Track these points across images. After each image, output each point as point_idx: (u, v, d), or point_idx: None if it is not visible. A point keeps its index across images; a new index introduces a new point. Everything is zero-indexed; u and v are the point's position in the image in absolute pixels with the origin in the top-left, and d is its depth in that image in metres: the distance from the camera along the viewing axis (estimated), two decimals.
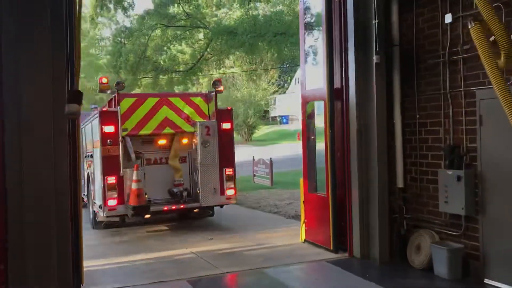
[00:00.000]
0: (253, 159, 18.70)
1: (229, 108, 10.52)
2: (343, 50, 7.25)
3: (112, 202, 9.10)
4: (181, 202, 9.59)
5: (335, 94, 7.38)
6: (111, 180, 9.12)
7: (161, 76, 25.73)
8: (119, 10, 22.49)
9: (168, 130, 9.69)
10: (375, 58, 6.70)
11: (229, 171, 9.69)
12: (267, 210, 12.05)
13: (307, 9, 8.43)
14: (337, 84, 7.43)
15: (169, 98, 9.93)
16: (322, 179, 7.67)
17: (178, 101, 9.92)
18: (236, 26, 21.29)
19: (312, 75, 8.18)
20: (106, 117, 9.30)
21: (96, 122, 9.66)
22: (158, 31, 24.11)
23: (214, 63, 27.53)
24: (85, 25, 39.75)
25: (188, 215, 10.62)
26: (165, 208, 9.48)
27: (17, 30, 5.14)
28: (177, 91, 25.39)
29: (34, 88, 5.23)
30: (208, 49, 24.24)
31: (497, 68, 4.75)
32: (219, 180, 9.53)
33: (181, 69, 25.56)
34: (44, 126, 5.31)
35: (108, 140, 9.21)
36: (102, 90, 9.72)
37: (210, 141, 9.39)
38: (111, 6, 21.40)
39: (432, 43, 6.48)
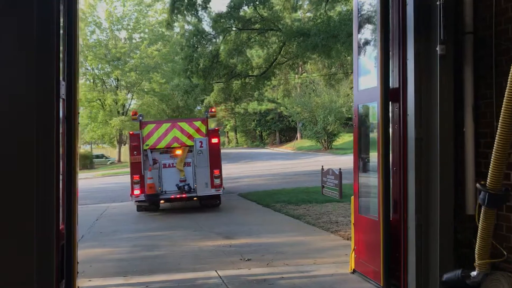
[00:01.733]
0: (322, 169, 17.37)
1: (217, 128, 15.80)
2: (401, 41, 5.88)
3: (136, 192, 13.54)
4: (183, 192, 13.70)
5: (391, 95, 6.01)
6: (136, 177, 13.47)
7: (234, 82, 25.23)
8: (193, 13, 22.11)
9: (175, 145, 13.98)
10: (439, 49, 5.26)
11: (216, 171, 13.70)
12: (325, 228, 10.78)
13: None
14: (394, 83, 6.04)
15: (178, 123, 14.43)
16: (376, 198, 6.33)
17: (184, 124, 14.28)
18: (310, 28, 20.08)
19: (367, 72, 6.89)
20: (133, 137, 14.08)
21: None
22: (232, 34, 23.60)
23: (289, 67, 26.42)
24: (166, 33, 40.88)
25: (199, 204, 14.39)
26: (172, 197, 13.80)
27: None
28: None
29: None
30: (281, 53, 23.25)
31: None
32: (209, 177, 13.62)
33: (254, 73, 24.81)
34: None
35: (135, 152, 13.74)
36: (133, 119, 14.85)
37: (203, 151, 13.64)
38: (184, 9, 21.08)
39: None
